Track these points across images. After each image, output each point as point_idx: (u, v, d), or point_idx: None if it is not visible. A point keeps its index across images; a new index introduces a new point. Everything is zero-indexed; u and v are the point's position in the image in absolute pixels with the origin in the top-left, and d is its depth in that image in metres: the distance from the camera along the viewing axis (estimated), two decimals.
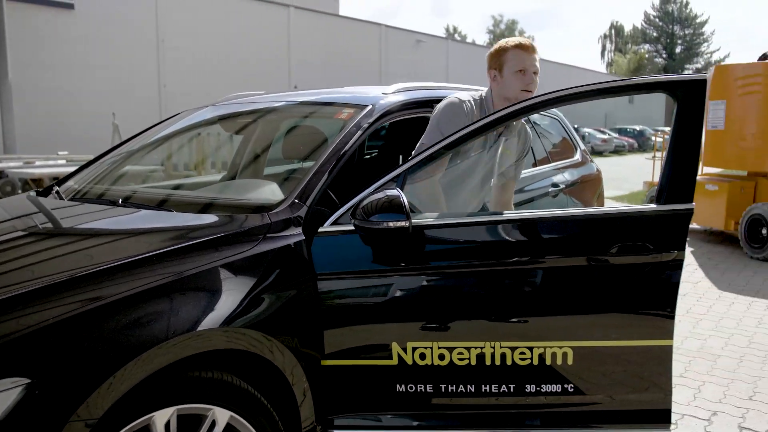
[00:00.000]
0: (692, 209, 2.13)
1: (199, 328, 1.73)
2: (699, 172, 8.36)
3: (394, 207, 2.04)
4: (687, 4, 79.54)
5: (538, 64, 2.56)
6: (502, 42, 2.62)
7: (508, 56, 2.56)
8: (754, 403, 3.26)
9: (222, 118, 3.31)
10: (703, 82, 2.16)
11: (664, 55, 77.01)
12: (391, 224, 2.03)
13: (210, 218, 2.20)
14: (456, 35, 70.06)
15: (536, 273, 2.18)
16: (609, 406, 2.24)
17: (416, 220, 2.10)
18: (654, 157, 15.11)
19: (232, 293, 1.87)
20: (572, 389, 2.19)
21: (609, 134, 32.27)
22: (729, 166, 7.81)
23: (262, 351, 1.89)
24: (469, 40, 67.55)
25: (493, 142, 2.64)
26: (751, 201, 7.37)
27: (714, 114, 7.53)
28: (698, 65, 76.85)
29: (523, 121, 2.77)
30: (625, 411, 2.24)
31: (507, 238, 2.18)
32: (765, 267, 6.38)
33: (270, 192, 2.46)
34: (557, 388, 2.20)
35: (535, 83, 2.53)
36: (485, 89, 2.69)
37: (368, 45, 24.81)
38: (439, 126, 2.49)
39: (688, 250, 7.01)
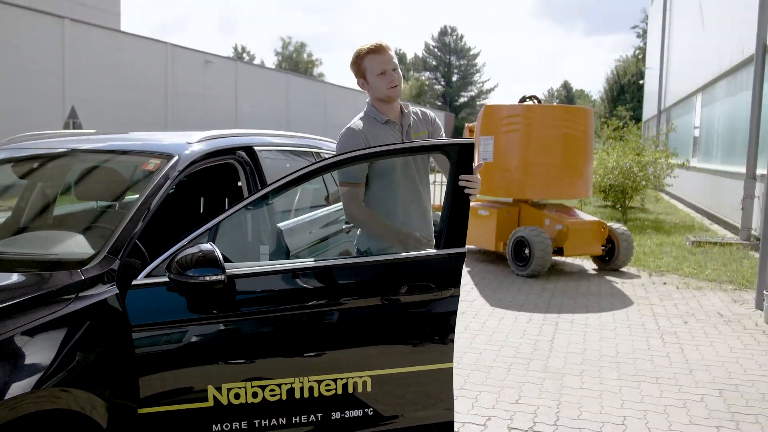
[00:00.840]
0: (465, 252, 2.53)
1: (6, 396, 1.73)
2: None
3: (209, 261, 2.18)
4: (462, 37, 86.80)
5: (395, 60, 2.82)
6: (357, 51, 2.84)
7: (365, 63, 2.81)
8: (520, 405, 3.83)
9: (11, 161, 3.15)
10: (471, 145, 2.58)
11: (443, 83, 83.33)
12: (207, 278, 2.17)
13: (16, 278, 2.16)
14: (245, 55, 69.74)
15: (335, 313, 2.45)
16: (402, 424, 2.56)
17: (229, 271, 2.26)
18: (435, 182, 16.45)
19: (44, 354, 1.89)
20: (372, 412, 2.48)
21: None
22: (497, 194, 8.81)
23: (79, 407, 1.93)
24: (257, 60, 67.65)
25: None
26: (516, 224, 8.41)
27: (484, 148, 8.48)
28: (472, 93, 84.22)
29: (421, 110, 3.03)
30: (415, 427, 2.58)
31: (306, 285, 2.42)
32: (529, 283, 7.33)
33: (76, 245, 2.45)
34: (359, 413, 2.47)
35: (399, 76, 2.81)
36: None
37: (154, 64, 23.83)
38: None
39: (465, 269, 7.85)
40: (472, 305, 6.22)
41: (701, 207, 15.37)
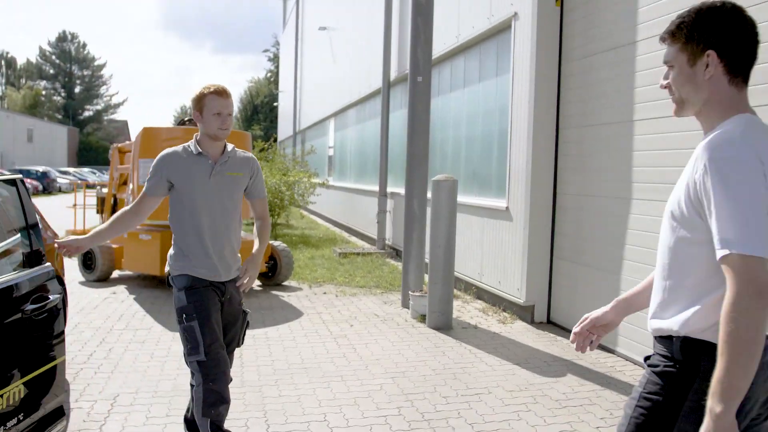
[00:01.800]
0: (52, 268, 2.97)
1: None
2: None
3: None
4: (85, 45, 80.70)
5: (232, 106, 3.21)
6: (204, 88, 3.17)
7: (206, 101, 3.13)
8: (230, 421, 3.97)
9: None
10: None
11: (63, 94, 76.37)
12: None
13: None
14: None
15: None
16: None
17: None
18: (75, 205, 15.27)
19: None
20: None
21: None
22: (159, 218, 8.62)
23: None
24: None
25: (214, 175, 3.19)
26: None
27: (145, 171, 8.27)
28: (99, 107, 79.02)
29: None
30: None
31: None
32: None
33: None
34: None
35: (230, 122, 3.18)
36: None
37: None
38: (152, 170, 3.20)
39: (131, 296, 7.58)
40: (151, 332, 6.08)
41: (340, 222, 17.14)
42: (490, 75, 7.91)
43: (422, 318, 6.70)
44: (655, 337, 1.76)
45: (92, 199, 15.62)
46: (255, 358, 5.29)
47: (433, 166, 8.93)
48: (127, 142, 11.43)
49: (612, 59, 5.67)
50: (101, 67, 78.71)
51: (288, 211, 16.44)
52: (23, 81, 73.34)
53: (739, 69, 1.69)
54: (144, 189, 3.21)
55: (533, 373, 4.99)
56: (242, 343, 3.44)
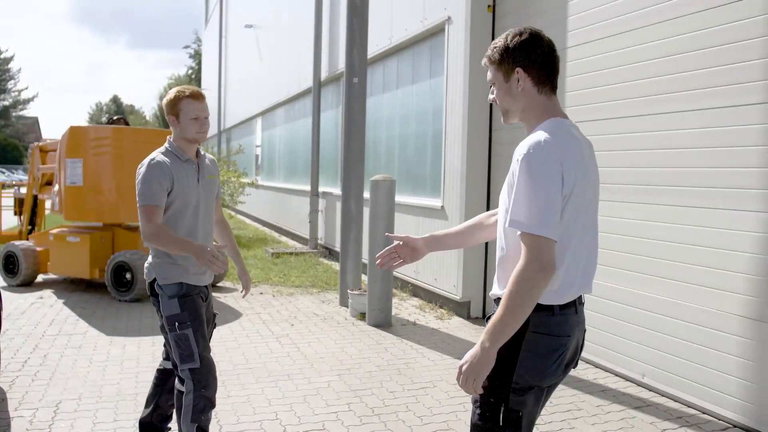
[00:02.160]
0: None
1: None
2: (61, 225, 8.79)
3: None
4: None
5: (208, 108, 3.16)
6: (176, 92, 3.12)
7: (182, 105, 3.10)
8: None
9: None
10: None
11: None
12: None
13: None
14: None
15: None
16: None
17: None
18: None
19: None
20: None
21: None
22: (88, 219, 8.41)
23: None
24: None
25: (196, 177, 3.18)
26: (110, 249, 8.18)
27: (72, 171, 8.02)
28: (6, 102, 75.02)
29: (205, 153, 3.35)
30: None
31: None
32: (136, 307, 7.24)
33: None
34: None
35: (208, 125, 3.15)
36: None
37: None
38: (150, 181, 3.04)
39: (59, 301, 7.33)
40: (86, 337, 5.93)
41: (269, 221, 17.03)
42: (424, 77, 8.10)
43: (362, 316, 6.80)
44: (495, 300, 2.11)
45: (8, 200, 14.91)
46: None
47: (366, 166, 9.05)
48: (48, 140, 11.00)
49: None
50: (8, 60, 74.68)
51: None
52: None
53: (544, 80, 2.07)
54: (152, 202, 3.04)
55: None
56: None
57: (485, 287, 6.88)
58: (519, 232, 1.91)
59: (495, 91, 2.14)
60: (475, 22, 6.69)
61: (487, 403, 2.03)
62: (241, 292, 3.51)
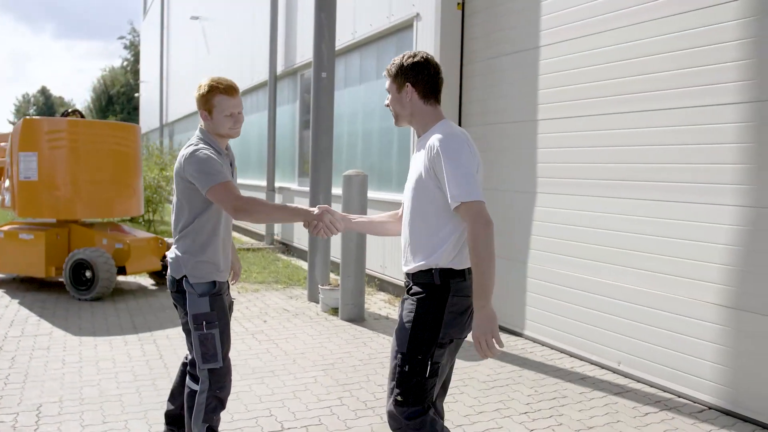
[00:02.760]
0: None
1: None
2: (12, 222, 8.42)
3: None
4: None
5: (242, 103, 3.06)
6: (209, 86, 2.98)
7: (216, 101, 2.97)
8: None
9: None
10: None
11: None
12: None
13: None
14: None
15: None
16: None
17: None
18: None
19: None
20: None
21: None
22: (43, 216, 8.11)
23: None
24: None
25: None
26: (67, 247, 7.91)
27: (26, 165, 7.72)
28: None
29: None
30: None
31: None
32: (98, 306, 7.03)
33: None
34: None
35: (241, 119, 3.06)
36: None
37: None
38: (212, 161, 2.87)
39: (14, 301, 7.06)
40: (53, 338, 5.74)
41: None
42: None
43: (334, 311, 6.81)
44: (413, 274, 2.52)
45: None
46: (177, 359, 5.16)
47: None
48: None
49: (515, 62, 6.07)
50: None
51: (163, 207, 15.85)
52: None
53: (428, 94, 2.57)
54: (225, 179, 2.85)
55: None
56: None
57: None
58: (454, 207, 2.34)
59: (389, 99, 2.62)
60: (446, 19, 6.77)
61: (414, 359, 2.43)
62: (231, 281, 3.44)
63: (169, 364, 5.05)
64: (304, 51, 10.70)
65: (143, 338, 5.77)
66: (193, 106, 13.63)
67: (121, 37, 70.30)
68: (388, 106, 2.63)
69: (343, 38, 9.09)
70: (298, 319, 6.53)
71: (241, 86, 14.54)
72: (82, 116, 8.47)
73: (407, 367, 2.43)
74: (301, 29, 11.12)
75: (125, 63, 58.40)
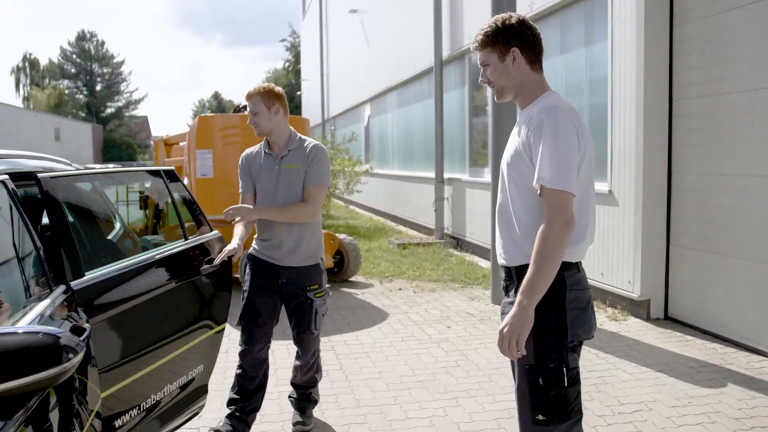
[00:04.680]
0: None
1: None
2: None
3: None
4: (103, 43, 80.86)
5: (258, 105, 3.43)
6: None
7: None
8: None
9: None
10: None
11: (85, 92, 76.66)
12: None
13: None
14: None
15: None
16: None
17: None
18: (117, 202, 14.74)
19: None
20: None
21: None
22: (219, 213, 8.08)
23: None
24: None
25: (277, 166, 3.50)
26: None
27: (202, 163, 7.71)
28: (120, 103, 79.15)
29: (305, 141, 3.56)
30: None
31: None
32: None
33: None
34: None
35: (255, 120, 3.47)
36: None
37: None
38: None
39: None
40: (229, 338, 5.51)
41: (383, 210, 16.52)
42: (577, 44, 7.21)
43: None
44: (517, 268, 2.21)
45: (133, 195, 15.07)
46: (359, 370, 4.69)
47: None
48: (167, 135, 10.89)
49: (748, 16, 4.95)
50: (120, 64, 78.77)
51: (329, 201, 15.87)
52: (47, 81, 73.44)
53: (534, 59, 2.23)
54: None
55: (687, 383, 4.32)
56: None
57: (667, 283, 5.95)
58: (538, 191, 2.05)
59: (489, 71, 2.26)
60: None
61: (547, 369, 2.09)
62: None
63: (351, 374, 4.57)
64: (472, 32, 9.96)
65: (321, 342, 5.36)
66: (354, 100, 13.48)
67: (282, 40, 73.52)
68: (484, 82, 2.30)
69: (521, 11, 8.24)
70: (485, 326, 5.85)
71: (403, 76, 14.14)
72: None
73: (541, 380, 2.10)
74: (468, 8, 10.40)
75: (287, 64, 60.82)
